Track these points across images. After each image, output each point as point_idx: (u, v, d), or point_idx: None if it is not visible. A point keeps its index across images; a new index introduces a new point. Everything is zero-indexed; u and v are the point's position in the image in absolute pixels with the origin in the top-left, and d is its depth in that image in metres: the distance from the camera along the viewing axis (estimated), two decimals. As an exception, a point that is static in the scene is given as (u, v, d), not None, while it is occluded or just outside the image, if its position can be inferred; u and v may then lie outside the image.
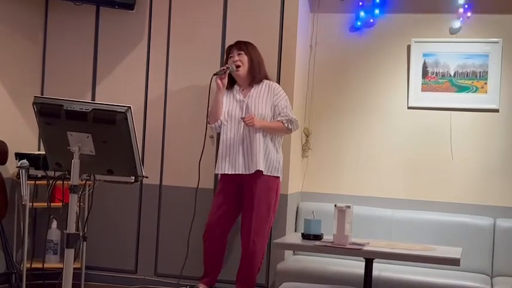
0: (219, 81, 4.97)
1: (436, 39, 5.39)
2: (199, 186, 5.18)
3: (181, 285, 5.37)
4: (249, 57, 5.04)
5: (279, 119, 4.99)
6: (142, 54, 5.66)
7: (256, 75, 5.05)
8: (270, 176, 4.98)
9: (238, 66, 5.01)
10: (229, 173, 4.98)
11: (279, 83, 5.29)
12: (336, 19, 5.61)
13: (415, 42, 5.41)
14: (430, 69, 5.40)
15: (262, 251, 5.02)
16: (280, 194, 5.11)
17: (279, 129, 5.01)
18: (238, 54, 5.04)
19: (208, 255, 5.09)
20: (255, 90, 5.05)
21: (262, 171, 4.92)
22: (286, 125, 4.98)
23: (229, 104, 5.07)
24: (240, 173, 4.95)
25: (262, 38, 5.34)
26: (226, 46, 5.30)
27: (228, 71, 4.99)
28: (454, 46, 5.35)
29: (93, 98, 5.73)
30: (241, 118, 4.93)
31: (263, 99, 5.02)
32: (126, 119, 3.26)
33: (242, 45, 5.07)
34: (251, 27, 5.37)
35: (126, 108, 3.27)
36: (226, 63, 5.09)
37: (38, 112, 3.37)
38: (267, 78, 5.12)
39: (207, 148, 5.21)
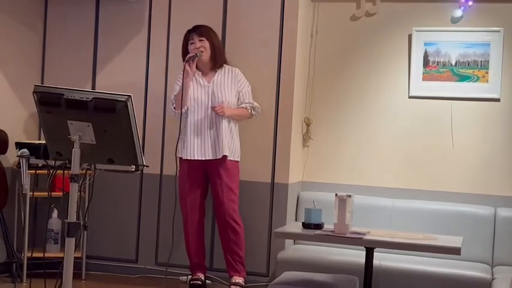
0: (188, 68, 5.00)
1: (437, 28, 5.38)
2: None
3: (182, 275, 5.39)
4: (210, 43, 5.08)
5: (243, 105, 5.13)
6: (143, 43, 5.64)
7: (218, 61, 5.12)
8: (232, 160, 5.10)
9: (202, 52, 5.05)
10: (199, 158, 5.04)
11: (279, 73, 5.29)
12: (337, 8, 5.59)
13: (416, 31, 5.39)
14: (431, 59, 5.38)
15: (242, 234, 5.09)
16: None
17: (244, 116, 5.17)
18: (200, 40, 5.07)
19: (192, 248, 5.16)
20: (218, 76, 5.11)
21: (226, 156, 5.03)
22: (250, 111, 5.14)
23: (193, 89, 5.10)
24: (210, 158, 5.04)
25: (262, 27, 5.33)
26: (227, 34, 5.29)
27: (196, 57, 5.02)
28: (456, 35, 5.34)
29: (93, 87, 5.72)
30: (212, 108, 5.00)
31: (228, 85, 5.10)
32: (127, 107, 3.25)
33: (203, 31, 5.10)
34: (251, 16, 5.35)
35: (126, 97, 3.26)
36: (186, 49, 5.09)
37: (38, 101, 3.36)
38: (226, 62, 5.18)
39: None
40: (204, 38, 5.07)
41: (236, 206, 5.11)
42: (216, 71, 5.13)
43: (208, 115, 5.04)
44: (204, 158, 5.04)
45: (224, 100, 5.04)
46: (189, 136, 5.06)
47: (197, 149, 5.05)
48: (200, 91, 5.09)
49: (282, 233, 4.48)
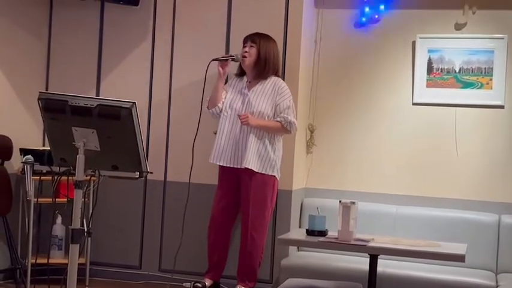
0: (220, 69, 5.00)
1: (441, 35, 5.38)
2: (204, 182, 5.20)
3: (185, 281, 5.38)
4: (257, 51, 5.02)
5: (278, 119, 4.99)
6: (147, 49, 5.65)
7: (261, 71, 5.03)
8: (265, 174, 4.99)
9: (244, 57, 5.01)
10: (220, 164, 5.03)
11: (283, 79, 5.29)
12: (341, 15, 5.60)
13: (420, 38, 5.40)
14: (435, 65, 5.38)
15: (261, 246, 5.04)
16: (277, 192, 5.13)
17: (276, 129, 5.01)
18: (251, 46, 5.04)
19: (212, 249, 5.11)
20: (260, 86, 5.04)
21: (250, 169, 4.93)
22: (285, 126, 4.99)
23: (233, 95, 5.08)
24: (229, 165, 4.99)
25: (267, 33, 5.33)
26: (231, 41, 5.30)
27: (230, 59, 5.00)
28: (459, 42, 5.34)
29: (97, 94, 5.73)
30: (237, 115, 4.94)
31: (266, 96, 5.01)
32: (131, 114, 3.26)
33: (256, 37, 5.06)
34: (256, 23, 5.35)
35: (131, 103, 3.27)
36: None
37: (43, 108, 3.37)
38: (277, 74, 5.10)
39: (210, 141, 5.19)
40: (254, 45, 5.02)
41: (263, 220, 4.99)
42: (260, 81, 5.05)
43: (239, 123, 4.97)
44: (224, 164, 5.01)
45: (255, 110, 4.96)
46: (216, 139, 5.05)
47: (220, 154, 5.01)
48: (238, 99, 5.05)
49: (285, 240, 4.48)
